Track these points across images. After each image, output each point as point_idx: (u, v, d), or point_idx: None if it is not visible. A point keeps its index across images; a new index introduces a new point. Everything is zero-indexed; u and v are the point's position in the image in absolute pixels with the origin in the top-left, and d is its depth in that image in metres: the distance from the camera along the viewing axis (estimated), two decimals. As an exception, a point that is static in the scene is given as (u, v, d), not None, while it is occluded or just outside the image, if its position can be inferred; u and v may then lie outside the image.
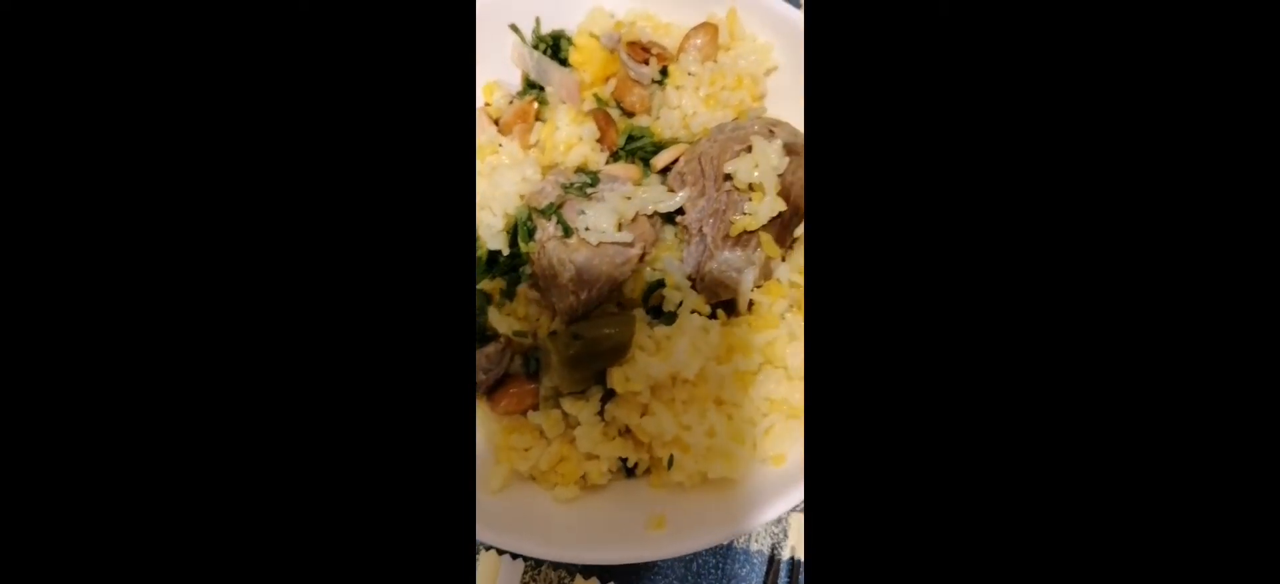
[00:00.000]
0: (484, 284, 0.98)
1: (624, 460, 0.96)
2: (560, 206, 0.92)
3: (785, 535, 1.08)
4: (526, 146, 1.05)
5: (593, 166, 1.04)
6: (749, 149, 0.91)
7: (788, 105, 1.14)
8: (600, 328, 0.87)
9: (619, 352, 0.88)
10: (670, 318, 0.96)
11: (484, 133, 1.16)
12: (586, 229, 0.90)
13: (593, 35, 1.17)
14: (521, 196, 0.97)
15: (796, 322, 0.93)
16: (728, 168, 0.91)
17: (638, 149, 1.06)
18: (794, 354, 0.91)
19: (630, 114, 1.13)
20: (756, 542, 1.08)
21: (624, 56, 1.12)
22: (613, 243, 0.90)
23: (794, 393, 0.92)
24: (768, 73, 1.15)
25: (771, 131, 0.93)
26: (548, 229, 0.91)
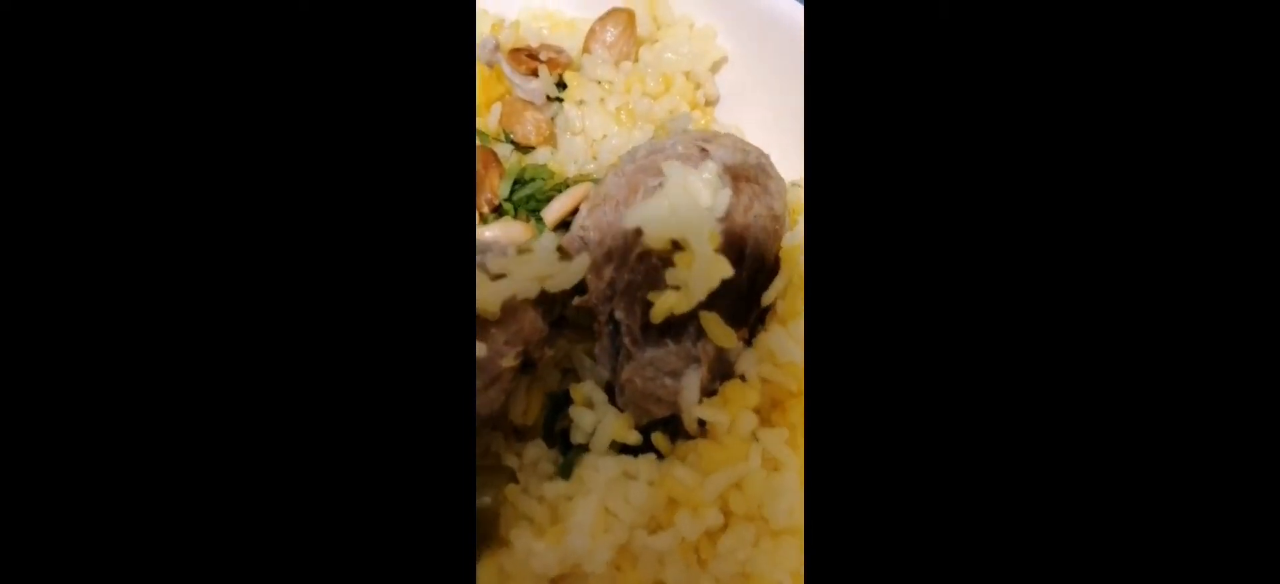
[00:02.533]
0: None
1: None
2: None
3: None
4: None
5: (462, 232, 0.71)
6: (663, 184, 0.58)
7: (748, 110, 0.81)
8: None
9: (485, 534, 0.54)
10: (582, 452, 0.62)
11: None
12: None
13: (469, 48, 0.85)
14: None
15: (773, 439, 0.59)
16: (632, 218, 0.57)
17: (529, 198, 0.73)
18: (779, 495, 0.57)
19: (527, 149, 0.81)
20: None
21: (506, 69, 0.80)
22: (462, 359, 0.56)
23: (784, 556, 0.57)
24: (714, 68, 0.82)
25: (702, 150, 0.60)
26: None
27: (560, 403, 0.67)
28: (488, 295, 0.59)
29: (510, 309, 0.60)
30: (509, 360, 0.58)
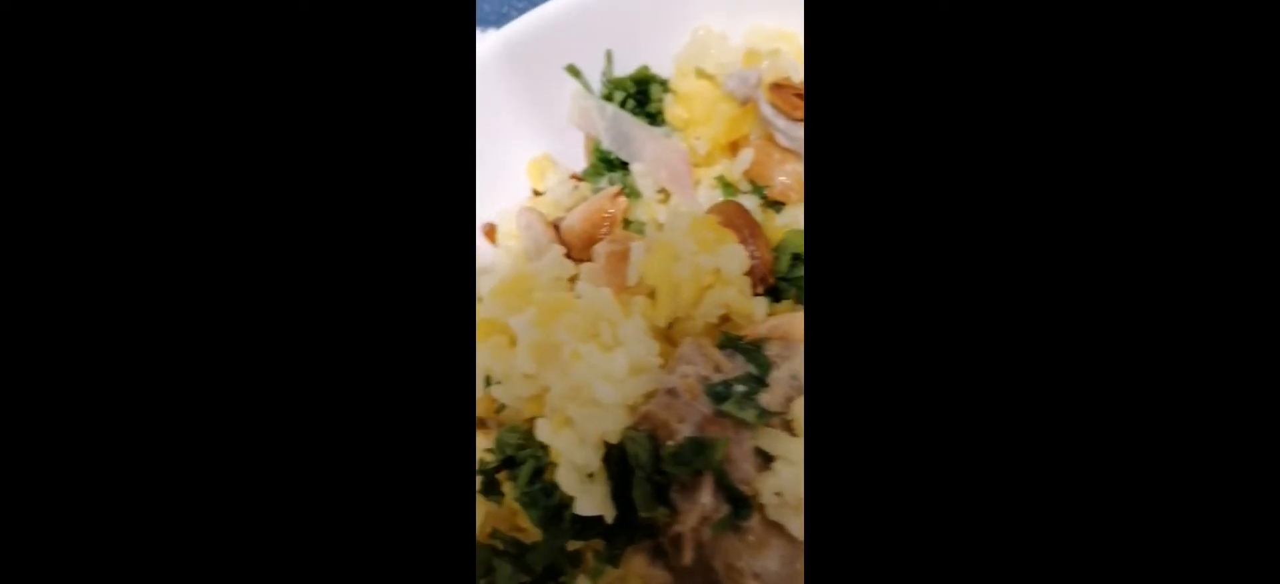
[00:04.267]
0: (562, 539, 0.54)
1: None
2: (720, 449, 0.47)
3: None
4: (622, 288, 0.60)
5: (743, 317, 0.59)
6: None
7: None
8: None
9: None
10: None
11: (536, 249, 0.72)
12: (777, 496, 0.45)
13: (705, 75, 0.73)
14: (632, 407, 0.52)
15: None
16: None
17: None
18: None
19: (777, 205, 0.69)
20: None
21: (767, 111, 0.68)
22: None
23: None
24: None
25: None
26: (702, 500, 0.46)
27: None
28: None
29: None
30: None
